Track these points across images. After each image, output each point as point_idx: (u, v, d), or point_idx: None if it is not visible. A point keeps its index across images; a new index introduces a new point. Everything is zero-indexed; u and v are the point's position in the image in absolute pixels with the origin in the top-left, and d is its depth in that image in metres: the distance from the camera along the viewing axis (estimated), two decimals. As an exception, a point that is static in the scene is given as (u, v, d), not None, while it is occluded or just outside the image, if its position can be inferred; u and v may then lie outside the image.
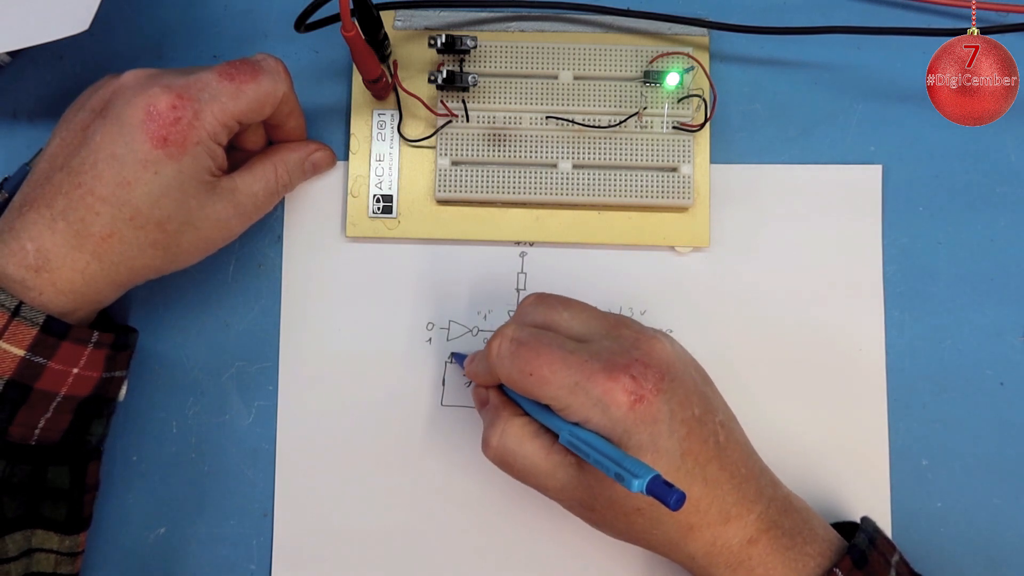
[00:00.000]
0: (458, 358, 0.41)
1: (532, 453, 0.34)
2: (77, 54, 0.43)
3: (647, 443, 0.31)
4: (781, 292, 0.41)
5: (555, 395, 0.32)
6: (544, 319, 0.35)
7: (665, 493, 0.28)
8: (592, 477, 0.33)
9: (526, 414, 0.35)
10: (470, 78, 0.39)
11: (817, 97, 0.42)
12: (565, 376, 0.32)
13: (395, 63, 0.41)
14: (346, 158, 0.42)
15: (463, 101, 0.40)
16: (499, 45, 0.40)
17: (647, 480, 0.28)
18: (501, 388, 0.36)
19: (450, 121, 0.40)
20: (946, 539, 0.40)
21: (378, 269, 0.42)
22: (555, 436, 0.34)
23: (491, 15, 0.42)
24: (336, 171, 0.42)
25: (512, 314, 0.38)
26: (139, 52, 0.43)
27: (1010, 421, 0.40)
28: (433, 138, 0.41)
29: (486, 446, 0.35)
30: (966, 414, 0.40)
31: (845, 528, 0.36)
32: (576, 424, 0.32)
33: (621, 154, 0.40)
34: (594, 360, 0.32)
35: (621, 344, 0.33)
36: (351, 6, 0.35)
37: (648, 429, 0.31)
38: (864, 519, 0.36)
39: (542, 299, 0.36)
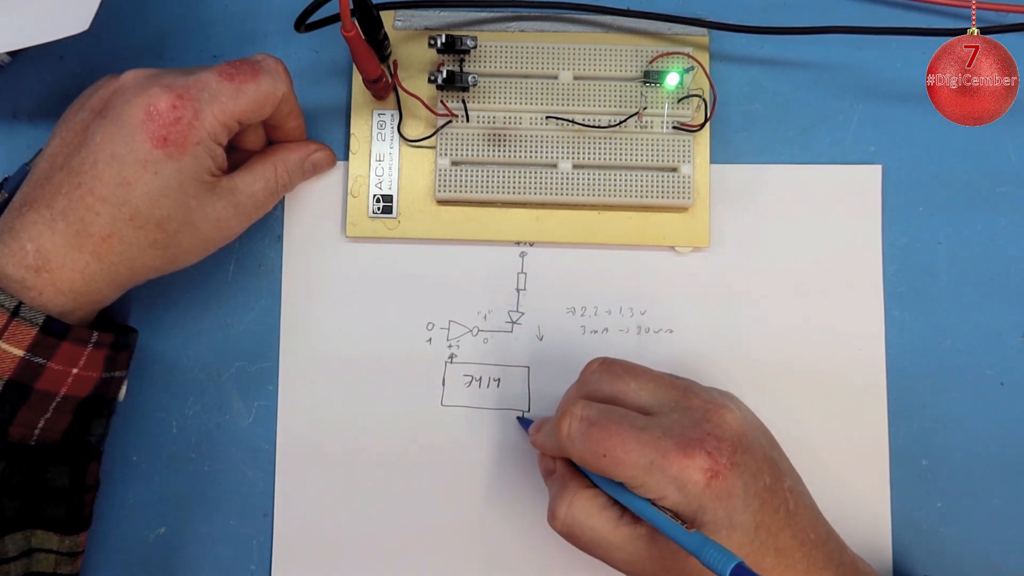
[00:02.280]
0: (524, 423, 0.40)
1: (600, 525, 0.33)
2: (77, 54, 0.43)
3: (723, 519, 0.31)
4: (781, 292, 0.41)
5: (630, 475, 0.32)
6: (611, 390, 0.35)
7: None
8: (665, 549, 0.32)
9: (594, 485, 0.34)
10: (470, 78, 0.39)
11: (817, 97, 0.42)
12: (639, 455, 0.32)
13: (395, 63, 0.41)
14: (346, 158, 0.42)
15: (463, 101, 0.40)
16: (499, 45, 0.40)
17: (730, 569, 0.28)
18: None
19: (450, 121, 0.40)
20: (946, 539, 0.40)
21: (378, 269, 0.42)
22: (623, 507, 0.33)
23: (491, 15, 0.42)
24: (336, 171, 0.42)
25: (575, 380, 0.37)
26: (139, 52, 0.43)
27: (1010, 421, 0.40)
28: (433, 138, 0.41)
29: (553, 518, 0.34)
30: (966, 414, 0.40)
31: None
32: (650, 500, 0.32)
33: (621, 154, 0.40)
34: (667, 437, 0.32)
35: (692, 417, 0.33)
36: (351, 6, 0.35)
37: (724, 504, 0.31)
38: None
39: (607, 367, 0.35)
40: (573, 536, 0.34)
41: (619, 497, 0.33)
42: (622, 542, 0.33)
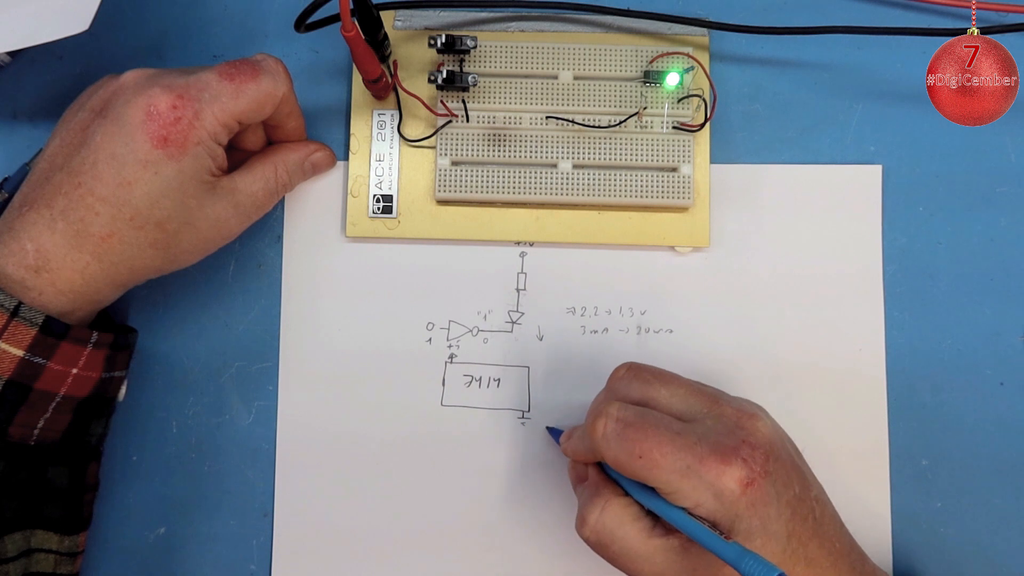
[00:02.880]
0: (554, 433, 0.40)
1: (632, 536, 0.33)
2: (77, 54, 0.43)
3: (757, 528, 0.31)
4: (781, 292, 0.41)
5: (666, 479, 0.31)
6: (642, 395, 0.34)
7: None
8: (698, 561, 0.32)
9: (627, 494, 0.34)
10: (470, 78, 0.39)
11: (817, 97, 0.42)
12: (676, 459, 0.31)
13: (395, 63, 0.41)
14: (346, 158, 0.42)
15: (463, 101, 0.40)
16: (499, 45, 0.40)
17: None
18: (600, 465, 0.35)
19: (450, 121, 0.40)
20: (946, 539, 0.40)
21: (378, 269, 0.42)
22: (655, 518, 0.33)
23: (491, 15, 0.42)
24: (336, 171, 0.42)
25: (604, 386, 0.37)
26: (139, 52, 0.43)
27: (1010, 421, 0.40)
28: (433, 138, 0.41)
29: (582, 524, 0.34)
30: (966, 414, 0.40)
31: None
32: (683, 508, 0.31)
33: (621, 154, 0.40)
34: (703, 443, 0.31)
35: (725, 424, 0.33)
36: (351, 6, 0.35)
37: (759, 513, 0.31)
38: None
39: (636, 373, 0.35)
40: (602, 544, 0.33)
41: (653, 505, 0.32)
42: (653, 553, 0.32)
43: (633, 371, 0.35)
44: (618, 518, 0.33)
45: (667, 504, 0.32)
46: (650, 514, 0.33)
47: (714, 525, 0.31)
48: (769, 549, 0.31)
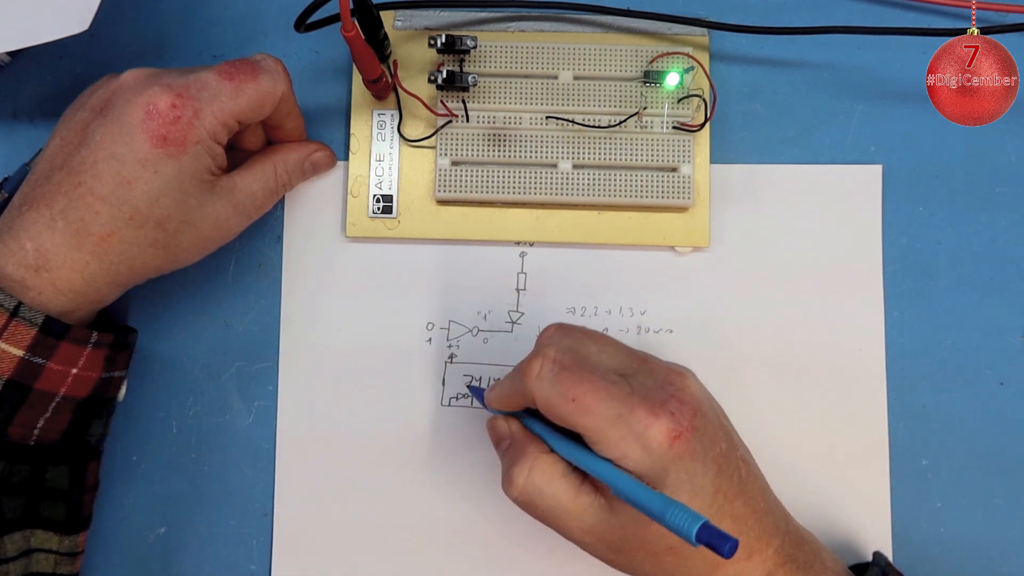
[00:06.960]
0: (474, 391, 0.40)
1: (560, 493, 0.32)
2: (77, 54, 0.43)
3: (684, 482, 0.31)
4: (781, 292, 0.41)
5: (595, 425, 0.31)
6: (572, 350, 0.34)
7: (718, 541, 0.27)
8: (625, 518, 0.32)
9: (552, 451, 0.33)
10: (470, 78, 0.39)
11: (817, 97, 0.42)
12: (608, 406, 0.31)
13: (395, 63, 0.41)
14: (346, 158, 0.42)
15: (463, 101, 0.40)
16: (499, 45, 0.40)
17: (696, 528, 0.27)
18: (522, 423, 0.35)
19: (450, 121, 0.40)
20: (946, 539, 0.40)
21: (378, 269, 0.42)
22: (583, 475, 0.33)
23: (491, 15, 0.42)
24: (336, 171, 0.42)
25: (535, 340, 0.36)
26: (139, 52, 0.43)
27: (1010, 421, 0.40)
28: (433, 138, 0.41)
29: (510, 484, 0.33)
30: (966, 414, 0.40)
31: (859, 569, 0.36)
32: (609, 460, 0.31)
33: (621, 154, 0.40)
34: (635, 394, 0.31)
35: (656, 379, 0.33)
36: (351, 6, 0.35)
37: (686, 467, 0.31)
38: (876, 554, 0.37)
39: (565, 331, 0.35)
40: (531, 504, 0.33)
41: (578, 458, 0.32)
42: (582, 511, 0.32)
43: (562, 330, 0.35)
44: (547, 475, 0.33)
45: (593, 456, 0.31)
46: (577, 471, 0.33)
47: (640, 479, 0.31)
48: (696, 504, 0.31)
